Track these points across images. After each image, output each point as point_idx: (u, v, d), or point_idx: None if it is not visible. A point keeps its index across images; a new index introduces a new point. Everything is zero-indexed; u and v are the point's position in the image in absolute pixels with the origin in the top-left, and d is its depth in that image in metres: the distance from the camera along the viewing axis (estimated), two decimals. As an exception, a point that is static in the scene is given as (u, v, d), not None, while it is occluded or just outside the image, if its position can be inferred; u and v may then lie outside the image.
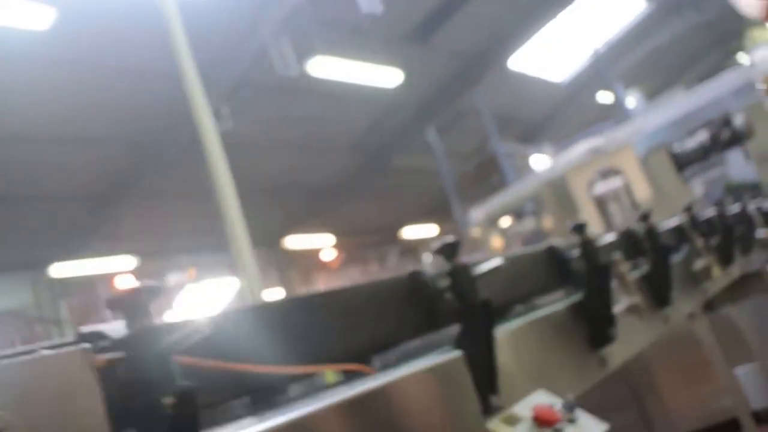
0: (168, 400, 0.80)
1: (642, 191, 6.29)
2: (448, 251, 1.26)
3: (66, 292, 12.62)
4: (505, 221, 7.52)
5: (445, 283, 1.26)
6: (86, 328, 0.86)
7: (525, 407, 1.18)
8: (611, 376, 1.76)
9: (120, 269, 12.77)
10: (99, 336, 0.85)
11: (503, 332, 1.47)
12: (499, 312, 1.76)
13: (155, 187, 11.34)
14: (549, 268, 1.84)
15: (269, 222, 14.58)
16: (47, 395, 0.59)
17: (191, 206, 11.77)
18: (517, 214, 7.61)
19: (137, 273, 13.63)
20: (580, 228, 1.73)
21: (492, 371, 1.21)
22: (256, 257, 16.11)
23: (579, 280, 1.74)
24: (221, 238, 11.71)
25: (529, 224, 7.17)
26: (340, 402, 0.85)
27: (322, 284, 15.99)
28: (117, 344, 0.82)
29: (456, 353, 1.01)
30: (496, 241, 7.13)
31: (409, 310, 1.33)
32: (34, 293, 11.96)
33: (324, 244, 16.37)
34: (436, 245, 1.27)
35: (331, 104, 12.03)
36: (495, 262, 1.31)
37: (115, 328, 0.85)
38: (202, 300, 15.18)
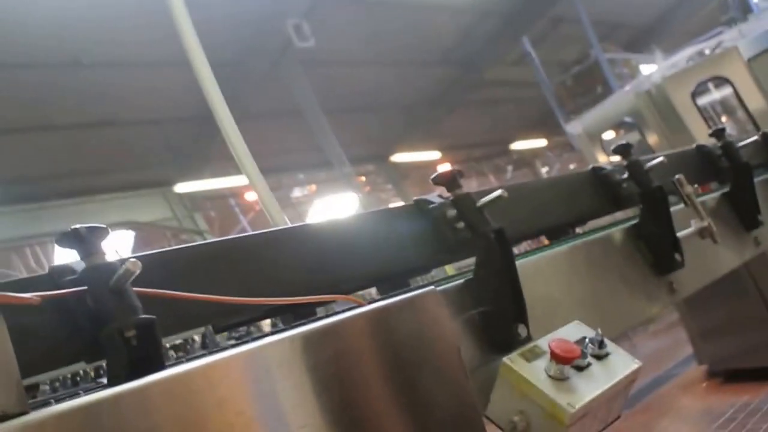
0: (129, 333, 0.77)
1: (753, 100, 5.74)
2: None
3: (198, 206, 13.20)
4: (608, 135, 7.11)
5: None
6: (55, 265, 0.85)
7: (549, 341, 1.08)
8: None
9: (243, 185, 13.14)
10: (67, 270, 0.83)
11: (552, 256, 1.38)
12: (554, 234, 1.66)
13: (253, 109, 11.46)
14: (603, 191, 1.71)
15: (375, 138, 14.59)
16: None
17: (294, 125, 11.91)
18: (620, 127, 7.18)
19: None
20: (623, 149, 1.58)
21: (517, 297, 1.12)
22: (370, 172, 16.23)
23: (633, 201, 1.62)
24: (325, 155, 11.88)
25: (631, 138, 6.75)
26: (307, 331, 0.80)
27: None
28: (79, 278, 0.80)
29: (431, 288, 0.92)
30: (601, 156, 6.76)
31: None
32: (170, 208, 12.56)
33: (432, 159, 16.16)
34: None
35: (420, 16, 11.64)
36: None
37: (79, 262, 0.82)
38: (329, 213, 15.63)
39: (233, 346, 0.87)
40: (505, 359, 1.01)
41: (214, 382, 0.69)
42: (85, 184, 11.20)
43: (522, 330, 1.10)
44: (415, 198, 1.29)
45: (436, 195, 1.31)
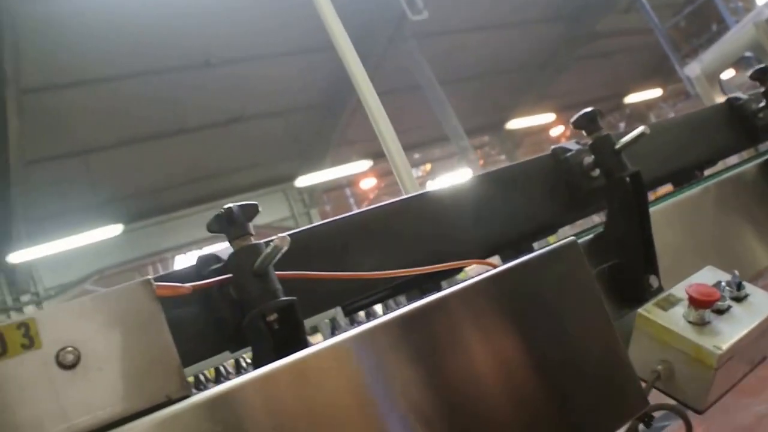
0: (271, 316, 0.80)
1: None
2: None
3: (316, 201, 13.51)
4: (727, 74, 6.67)
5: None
6: (203, 253, 0.89)
7: (684, 288, 1.04)
8: None
9: (359, 173, 13.34)
10: (212, 259, 0.87)
11: (679, 202, 1.32)
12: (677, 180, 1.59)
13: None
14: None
15: (488, 107, 14.40)
16: (117, 328, 0.60)
17: (410, 102, 11.90)
18: (740, 63, 6.72)
19: (376, 174, 14.22)
20: (762, 74, 1.47)
21: (648, 248, 1.09)
22: (484, 144, 16.04)
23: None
24: (442, 130, 11.83)
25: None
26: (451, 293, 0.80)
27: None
28: (224, 266, 0.84)
29: (572, 239, 0.90)
30: (719, 99, 6.36)
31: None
32: (288, 205, 12.92)
33: (546, 122, 15.77)
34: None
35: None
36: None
37: (224, 250, 0.86)
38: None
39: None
40: (641, 310, 1.00)
41: (355, 356, 0.71)
42: (210, 189, 11.65)
43: (653, 281, 1.09)
44: (552, 147, 1.26)
45: (574, 142, 1.28)
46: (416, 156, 15.42)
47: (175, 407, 0.59)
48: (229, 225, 0.82)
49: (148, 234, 11.30)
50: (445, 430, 0.72)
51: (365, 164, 12.60)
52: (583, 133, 1.18)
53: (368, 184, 15.00)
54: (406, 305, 1.04)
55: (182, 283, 0.82)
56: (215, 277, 0.84)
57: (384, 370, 0.72)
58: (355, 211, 1.12)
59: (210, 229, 0.84)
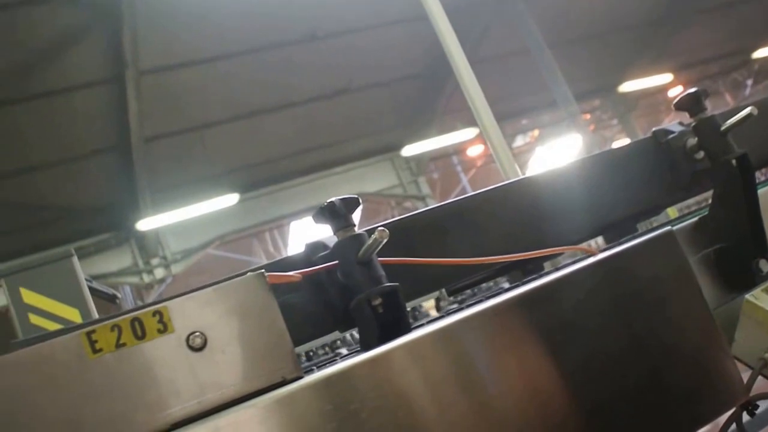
0: (376, 301, 0.85)
1: None
2: None
3: (422, 169, 13.54)
4: None
5: None
6: (310, 241, 0.95)
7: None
8: None
9: (466, 140, 13.22)
10: (319, 246, 0.93)
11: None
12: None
13: (473, 57, 11.34)
14: None
15: (600, 69, 13.86)
16: (236, 315, 0.67)
17: (517, 67, 11.65)
18: None
19: (483, 141, 14.06)
20: None
21: (757, 230, 1.06)
22: (595, 108, 15.48)
23: None
24: (550, 95, 11.52)
25: None
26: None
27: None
28: (330, 253, 0.89)
29: (667, 229, 0.90)
30: None
31: None
32: (396, 174, 13.01)
33: (663, 84, 14.93)
34: None
35: None
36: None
37: (330, 238, 0.91)
38: (551, 160, 15.30)
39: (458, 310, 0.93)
40: (748, 296, 0.97)
41: (461, 338, 0.74)
42: (320, 159, 11.89)
43: (763, 265, 1.05)
44: (654, 129, 1.24)
45: (677, 123, 1.26)
46: (524, 122, 15.13)
47: (289, 387, 0.65)
48: (333, 217, 0.88)
49: (263, 202, 11.71)
50: (554, 411, 0.75)
51: (471, 132, 12.47)
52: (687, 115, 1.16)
53: (475, 151, 14.85)
54: (504, 289, 1.07)
55: (294, 267, 0.89)
56: (323, 263, 0.89)
57: (489, 354, 0.76)
58: (456, 198, 1.15)
59: (315, 220, 0.89)
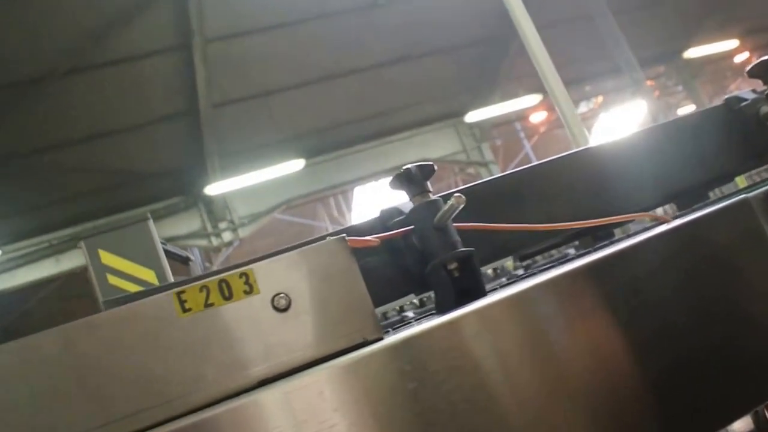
0: (452, 265, 0.85)
1: None
2: None
3: (486, 136, 13.39)
4: None
5: None
6: (385, 207, 0.95)
7: None
8: None
9: (529, 107, 13.02)
10: (394, 212, 0.93)
11: None
12: None
13: (538, 23, 11.13)
14: None
15: (664, 35, 13.38)
16: (319, 278, 0.67)
17: (579, 33, 11.33)
18: None
19: (547, 107, 13.81)
20: None
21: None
22: (659, 75, 14.98)
23: None
24: (614, 61, 11.20)
25: None
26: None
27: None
28: (405, 219, 0.89)
29: (742, 197, 0.86)
30: None
31: None
32: (459, 140, 12.91)
33: (729, 49, 14.34)
34: None
35: None
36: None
37: (405, 204, 0.91)
38: (615, 127, 14.95)
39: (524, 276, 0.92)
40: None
41: (536, 305, 0.73)
42: (384, 124, 11.88)
43: None
44: (726, 96, 1.20)
45: (749, 90, 1.22)
46: (587, 88, 14.76)
47: (370, 348, 0.65)
48: (409, 183, 0.87)
49: (328, 168, 11.79)
50: (624, 379, 0.74)
51: (534, 98, 12.27)
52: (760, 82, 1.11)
53: (538, 117, 14.61)
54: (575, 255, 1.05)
55: (369, 232, 0.89)
56: (398, 228, 0.89)
57: (562, 319, 0.74)
58: (528, 165, 1.13)
59: (392, 186, 0.89)
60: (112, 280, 2.86)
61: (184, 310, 0.61)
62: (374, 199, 13.13)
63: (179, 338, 0.61)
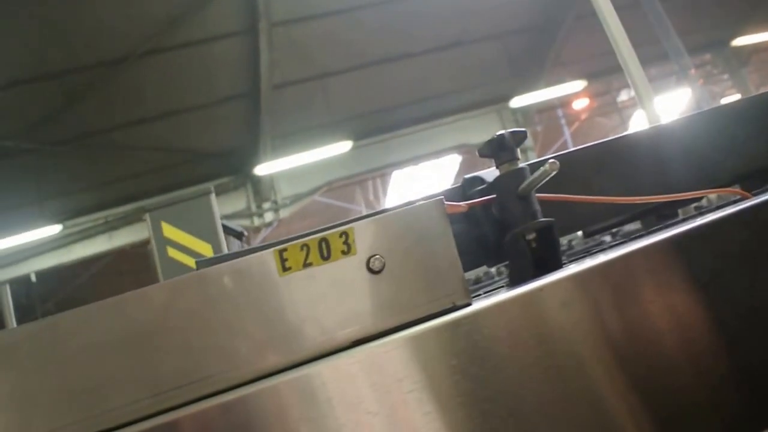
0: (531, 236, 0.83)
1: None
2: None
3: (529, 121, 13.22)
4: None
5: None
6: (468, 175, 0.93)
7: None
8: None
9: (572, 93, 12.81)
10: (477, 181, 0.91)
11: None
12: None
13: (586, 9, 10.92)
14: None
15: (713, 22, 13.01)
16: (414, 240, 0.66)
17: (627, 18, 11.07)
18: None
19: (589, 94, 13.58)
20: None
21: None
22: (705, 63, 14.56)
23: None
24: (661, 48, 10.94)
25: None
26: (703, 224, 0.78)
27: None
28: (488, 188, 0.87)
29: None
30: None
31: None
32: (502, 126, 12.78)
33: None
34: None
35: None
36: None
37: (490, 173, 0.89)
38: (660, 114, 14.59)
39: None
40: None
41: (613, 279, 0.71)
42: (431, 109, 11.81)
43: None
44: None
45: None
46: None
47: (460, 313, 0.64)
48: (500, 150, 0.85)
49: (373, 150, 11.76)
50: (709, 359, 0.71)
51: (579, 84, 12.05)
52: None
53: (580, 104, 14.37)
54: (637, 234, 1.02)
55: (451, 199, 0.87)
56: (478, 197, 0.87)
57: (638, 294, 0.72)
58: (601, 140, 1.10)
59: (481, 153, 0.87)
60: (172, 252, 2.90)
61: (285, 269, 0.61)
62: (409, 184, 13.07)
63: (278, 296, 0.61)
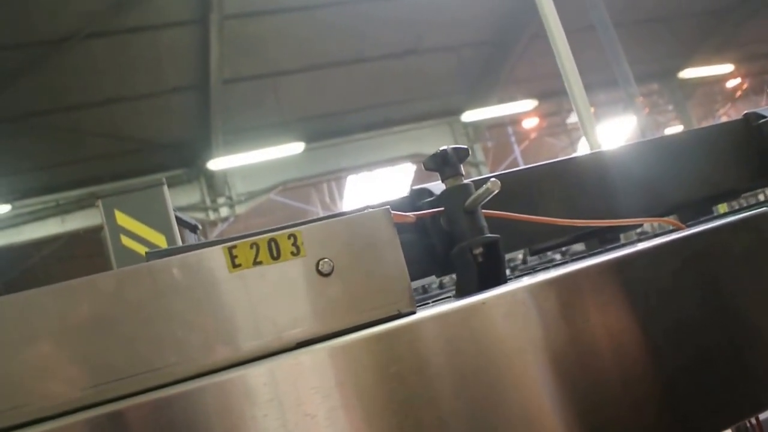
0: (477, 250, 0.84)
1: None
2: None
3: (479, 137, 13.40)
4: None
5: None
6: (416, 186, 0.94)
7: None
8: None
9: (523, 111, 13.02)
10: (425, 192, 0.92)
11: None
12: None
13: (542, 30, 11.11)
14: None
15: (662, 53, 13.39)
16: (362, 247, 0.67)
17: (578, 43, 11.31)
18: None
19: (539, 114, 13.83)
20: None
21: None
22: (652, 92, 14.95)
23: None
24: (611, 74, 11.20)
25: None
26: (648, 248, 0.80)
27: (725, 118, 14.34)
28: (436, 200, 0.89)
29: (764, 209, 0.87)
30: None
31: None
32: (453, 139, 12.91)
33: (723, 73, 14.38)
34: None
35: None
36: None
37: (438, 185, 0.90)
38: (603, 140, 14.89)
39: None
40: None
41: (554, 296, 0.73)
42: (383, 116, 11.86)
43: None
44: (745, 112, 1.20)
45: None
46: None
47: (404, 320, 0.65)
48: (444, 165, 0.87)
49: (325, 153, 11.77)
50: (636, 378, 0.74)
51: (530, 103, 12.29)
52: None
53: (530, 123, 14.63)
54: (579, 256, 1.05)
55: (398, 210, 0.88)
56: (427, 208, 0.89)
57: (577, 312, 0.74)
58: (548, 161, 1.13)
59: (426, 166, 0.89)
60: (125, 241, 2.84)
61: (234, 266, 0.61)
62: (365, 188, 13.12)
63: (228, 292, 0.61)
